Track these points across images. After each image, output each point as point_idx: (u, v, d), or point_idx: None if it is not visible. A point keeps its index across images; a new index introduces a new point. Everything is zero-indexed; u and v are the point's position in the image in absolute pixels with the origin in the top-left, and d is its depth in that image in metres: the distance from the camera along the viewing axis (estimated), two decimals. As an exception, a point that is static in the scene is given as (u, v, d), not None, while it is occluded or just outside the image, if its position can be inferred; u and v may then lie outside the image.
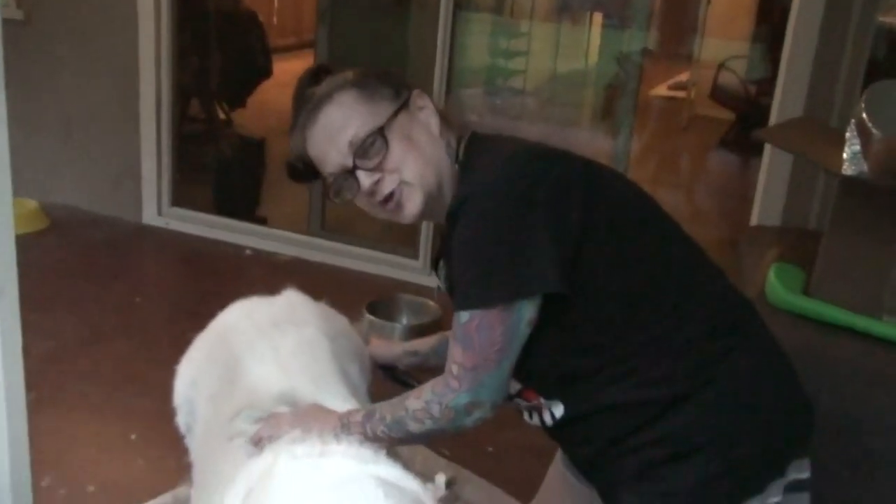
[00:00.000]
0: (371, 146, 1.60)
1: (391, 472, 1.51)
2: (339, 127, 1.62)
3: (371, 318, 3.95)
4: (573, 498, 1.89)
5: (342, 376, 1.85)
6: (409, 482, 1.51)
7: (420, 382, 1.79)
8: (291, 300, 2.08)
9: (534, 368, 1.57)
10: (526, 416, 1.72)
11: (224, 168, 5.97)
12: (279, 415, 1.67)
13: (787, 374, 1.63)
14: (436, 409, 1.51)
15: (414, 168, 1.61)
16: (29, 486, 1.52)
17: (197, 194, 5.53)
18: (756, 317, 1.64)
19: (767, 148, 3.81)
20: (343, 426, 1.60)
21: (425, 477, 3.00)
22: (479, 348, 1.47)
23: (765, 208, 3.83)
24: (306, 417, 1.64)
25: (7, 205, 1.32)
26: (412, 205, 1.63)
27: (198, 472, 1.83)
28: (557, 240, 1.45)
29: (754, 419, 1.56)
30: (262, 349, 1.87)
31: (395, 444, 1.60)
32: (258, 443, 1.63)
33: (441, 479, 3.04)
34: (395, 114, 1.61)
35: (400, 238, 4.98)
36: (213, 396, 1.88)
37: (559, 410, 1.60)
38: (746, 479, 1.55)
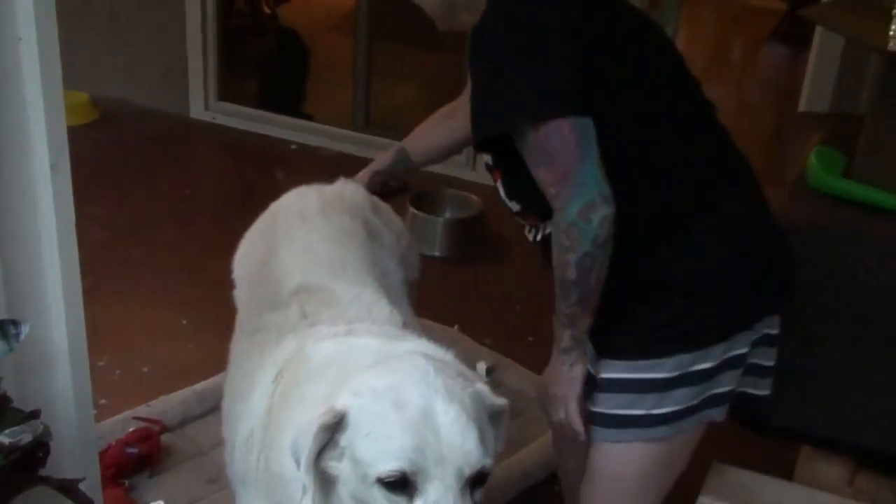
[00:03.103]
0: None
1: (426, 346, 1.54)
2: None
3: (415, 211, 3.98)
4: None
5: (369, 265, 1.87)
6: (446, 355, 1.55)
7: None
8: (342, 190, 2.10)
9: (533, 194, 1.60)
10: (526, 230, 1.80)
11: (269, 63, 5.97)
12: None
13: (774, 233, 1.71)
14: (563, 239, 1.53)
15: None
16: (86, 364, 1.58)
17: (243, 89, 5.54)
18: (755, 177, 1.72)
19: (817, 34, 3.71)
20: (567, 350, 1.66)
21: (468, 364, 3.07)
22: (558, 155, 1.49)
23: (813, 96, 3.75)
24: (549, 378, 1.73)
25: (57, 80, 1.35)
26: None
27: (234, 358, 1.87)
28: (577, 60, 1.52)
29: (734, 266, 1.66)
30: (298, 236, 1.91)
31: (587, 303, 1.59)
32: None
33: (482, 366, 3.11)
34: None
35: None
36: (249, 277, 1.94)
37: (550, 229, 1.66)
38: (713, 325, 1.65)
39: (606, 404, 1.69)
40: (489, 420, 1.36)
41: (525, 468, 2.60)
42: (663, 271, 1.63)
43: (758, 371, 1.76)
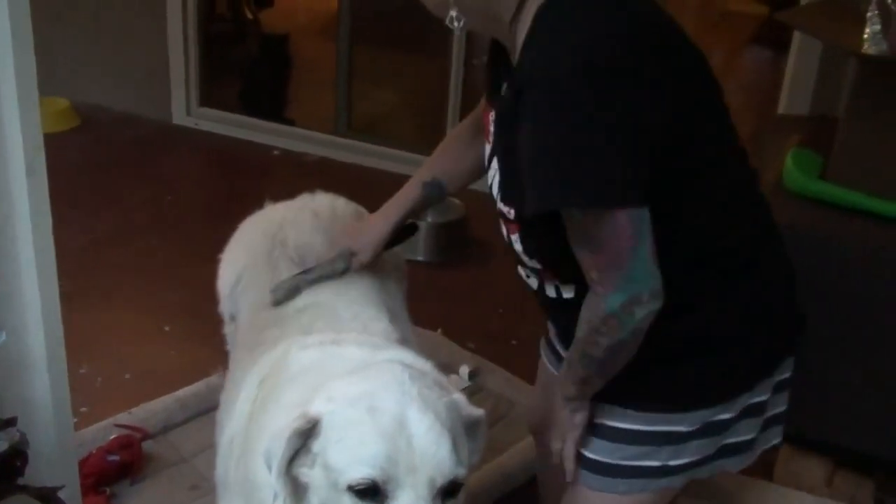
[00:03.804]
0: None
1: (405, 356, 1.54)
2: None
3: (397, 214, 3.98)
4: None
5: (372, 283, 1.87)
6: (425, 364, 1.55)
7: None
8: (337, 210, 2.08)
9: (563, 258, 1.46)
10: (522, 273, 1.66)
11: (252, 68, 5.96)
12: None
13: (793, 278, 1.64)
14: (599, 325, 1.42)
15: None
16: (65, 372, 1.57)
17: (225, 95, 5.53)
18: (774, 221, 1.64)
19: (796, 38, 3.74)
20: (571, 399, 1.60)
21: (450, 368, 3.08)
22: (608, 243, 1.34)
23: (792, 99, 3.77)
24: (549, 412, 1.71)
25: (32, 80, 1.35)
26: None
27: (231, 368, 1.89)
28: (652, 148, 1.34)
29: (769, 322, 1.59)
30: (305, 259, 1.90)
31: (606, 376, 1.51)
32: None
33: (465, 370, 3.11)
34: None
35: (427, 137, 4.98)
36: (254, 305, 1.90)
37: (569, 293, 1.57)
38: (740, 377, 1.59)
39: (616, 455, 1.63)
40: (466, 430, 1.35)
41: (506, 471, 2.60)
42: (700, 329, 1.54)
43: (773, 420, 1.70)
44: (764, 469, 2.19)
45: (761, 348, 1.59)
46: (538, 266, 1.56)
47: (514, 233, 1.52)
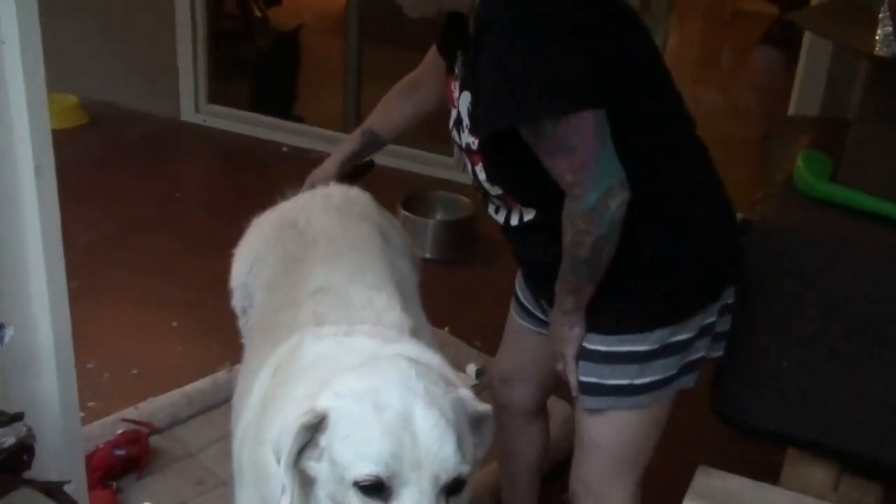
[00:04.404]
0: None
1: (414, 350, 1.55)
2: None
3: (405, 213, 3.98)
4: (529, 341, 2.09)
5: (388, 270, 1.89)
6: (433, 359, 1.56)
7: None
8: (350, 196, 2.11)
9: (520, 179, 1.70)
10: (491, 210, 1.86)
11: (260, 65, 5.97)
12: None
13: (731, 212, 1.85)
14: (579, 223, 1.60)
15: None
16: (72, 367, 1.57)
17: (234, 92, 5.54)
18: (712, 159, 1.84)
19: (807, 38, 3.72)
20: (567, 312, 1.75)
21: (457, 366, 3.08)
22: (579, 145, 1.54)
23: (802, 99, 3.77)
24: (553, 336, 1.83)
25: (40, 79, 1.35)
26: None
27: (247, 354, 1.90)
28: (588, 52, 1.55)
29: (717, 243, 1.81)
30: (321, 243, 1.92)
31: (595, 277, 1.68)
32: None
33: (472, 368, 3.12)
34: None
35: (435, 135, 4.98)
36: (268, 285, 1.93)
37: (529, 215, 1.77)
38: (694, 298, 1.78)
39: (591, 373, 1.80)
40: (472, 426, 1.37)
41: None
42: (654, 250, 1.72)
43: (718, 337, 1.89)
44: (770, 473, 2.19)
45: (707, 271, 1.79)
46: (500, 192, 1.75)
47: (477, 164, 1.74)
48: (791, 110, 3.85)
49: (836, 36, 2.19)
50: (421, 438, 1.24)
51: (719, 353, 1.93)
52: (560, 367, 1.85)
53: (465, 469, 1.27)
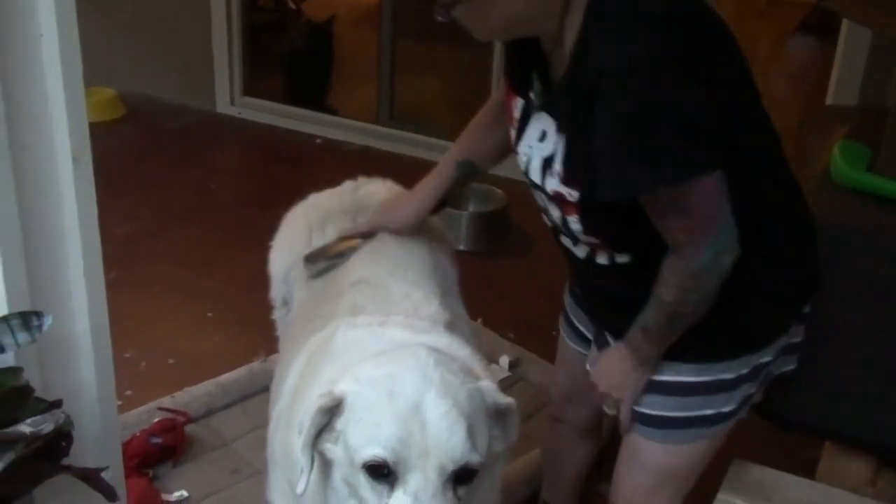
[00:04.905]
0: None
1: (442, 340, 1.57)
2: None
3: (438, 204, 3.98)
4: (582, 366, 1.97)
5: (430, 266, 1.90)
6: (461, 350, 1.56)
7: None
8: (392, 194, 2.10)
9: (623, 232, 1.58)
10: (567, 242, 1.71)
11: (294, 58, 5.99)
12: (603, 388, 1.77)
13: (813, 224, 1.75)
14: (689, 283, 1.52)
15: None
16: (109, 355, 1.59)
17: (268, 84, 5.57)
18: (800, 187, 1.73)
19: (845, 26, 3.67)
20: (644, 361, 1.67)
21: (490, 358, 3.08)
22: (696, 207, 1.45)
23: (840, 89, 3.71)
24: (612, 378, 1.74)
25: (78, 71, 1.37)
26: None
27: (285, 344, 1.93)
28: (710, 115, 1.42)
29: (803, 268, 1.73)
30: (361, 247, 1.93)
31: (684, 329, 1.61)
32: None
33: (505, 360, 3.12)
34: None
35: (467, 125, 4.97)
36: (307, 281, 1.95)
37: (623, 258, 1.64)
38: (781, 321, 1.72)
39: (672, 407, 1.72)
40: (494, 418, 1.38)
41: (546, 462, 2.60)
42: (753, 282, 1.63)
43: (796, 349, 1.82)
44: (807, 467, 2.17)
45: (797, 292, 1.73)
46: (595, 241, 1.63)
47: (571, 214, 1.58)
48: (829, 100, 3.79)
49: (874, 23, 2.16)
50: (430, 426, 1.26)
51: (794, 366, 1.84)
52: (610, 409, 1.78)
53: (474, 459, 1.28)
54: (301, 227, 2.06)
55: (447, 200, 1.97)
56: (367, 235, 1.94)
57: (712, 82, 1.42)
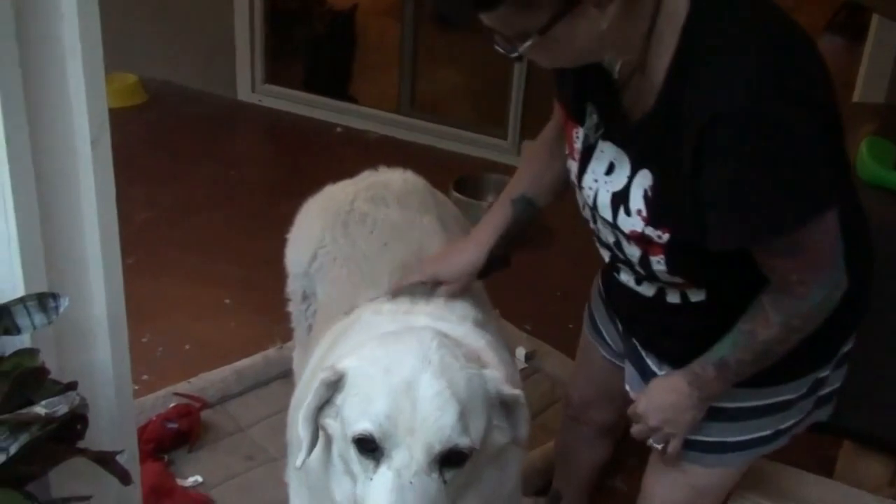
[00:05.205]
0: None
1: (459, 330, 1.56)
2: None
3: (458, 195, 3.97)
4: (605, 371, 1.94)
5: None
6: (477, 340, 1.55)
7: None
8: (408, 185, 2.08)
9: (713, 271, 1.49)
10: (628, 279, 1.64)
11: (316, 46, 5.97)
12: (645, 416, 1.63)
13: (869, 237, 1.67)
14: (797, 322, 1.46)
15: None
16: (125, 339, 1.60)
17: (290, 72, 5.57)
18: None
19: (874, 24, 3.63)
20: (708, 398, 1.58)
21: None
22: (813, 246, 1.38)
23: (868, 86, 3.68)
24: (666, 413, 1.61)
25: (98, 57, 1.36)
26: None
27: (308, 335, 1.95)
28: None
29: (864, 282, 1.62)
30: (385, 246, 1.91)
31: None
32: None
33: (522, 352, 3.11)
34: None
35: (489, 118, 4.96)
36: (335, 281, 1.92)
37: (698, 297, 1.56)
38: (842, 336, 1.66)
39: (731, 433, 1.67)
40: (502, 410, 1.37)
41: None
42: None
43: (844, 360, 1.74)
44: (825, 467, 2.15)
45: (855, 308, 1.61)
46: (679, 281, 1.53)
47: (657, 254, 1.48)
48: (856, 97, 3.75)
49: (904, 18, 2.13)
50: (420, 404, 1.25)
51: (839, 383, 1.75)
52: (657, 443, 1.67)
53: (464, 442, 1.26)
54: (317, 219, 2.04)
55: (509, 252, 1.78)
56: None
57: (821, 112, 1.34)
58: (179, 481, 2.46)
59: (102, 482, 1.46)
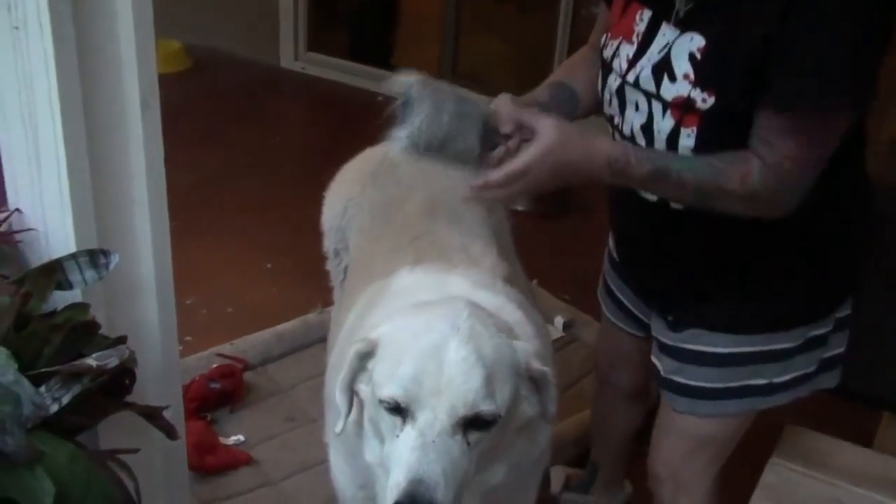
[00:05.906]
0: None
1: (497, 301, 1.56)
2: None
3: (498, 163, 3.96)
4: (628, 344, 2.00)
5: (485, 217, 1.89)
6: (512, 314, 1.55)
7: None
8: None
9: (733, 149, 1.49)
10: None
11: (359, 14, 5.97)
12: (531, 167, 1.48)
13: (871, 210, 1.69)
14: (760, 198, 1.45)
15: None
16: (172, 296, 1.63)
17: (333, 40, 5.57)
18: None
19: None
20: (612, 172, 1.48)
21: (545, 319, 3.06)
22: (813, 146, 1.42)
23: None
24: (562, 168, 1.49)
25: (149, 18, 1.39)
26: None
27: (343, 293, 1.96)
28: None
29: (864, 237, 1.68)
30: (415, 194, 1.92)
31: (684, 203, 1.54)
32: (482, 189, 1.53)
33: (559, 321, 3.12)
34: None
35: (531, 86, 4.93)
36: (365, 230, 1.96)
37: None
38: (838, 292, 1.68)
39: (724, 378, 1.70)
40: (531, 384, 1.37)
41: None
42: (811, 254, 1.61)
43: (843, 324, 1.75)
44: (864, 436, 2.14)
45: (853, 266, 1.68)
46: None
47: (690, 125, 1.48)
48: None
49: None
50: (447, 367, 1.26)
51: (842, 349, 1.77)
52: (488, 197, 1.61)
53: (489, 408, 1.27)
54: (353, 179, 2.07)
55: (568, 201, 1.76)
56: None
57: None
58: (222, 439, 2.51)
59: (149, 436, 1.49)
